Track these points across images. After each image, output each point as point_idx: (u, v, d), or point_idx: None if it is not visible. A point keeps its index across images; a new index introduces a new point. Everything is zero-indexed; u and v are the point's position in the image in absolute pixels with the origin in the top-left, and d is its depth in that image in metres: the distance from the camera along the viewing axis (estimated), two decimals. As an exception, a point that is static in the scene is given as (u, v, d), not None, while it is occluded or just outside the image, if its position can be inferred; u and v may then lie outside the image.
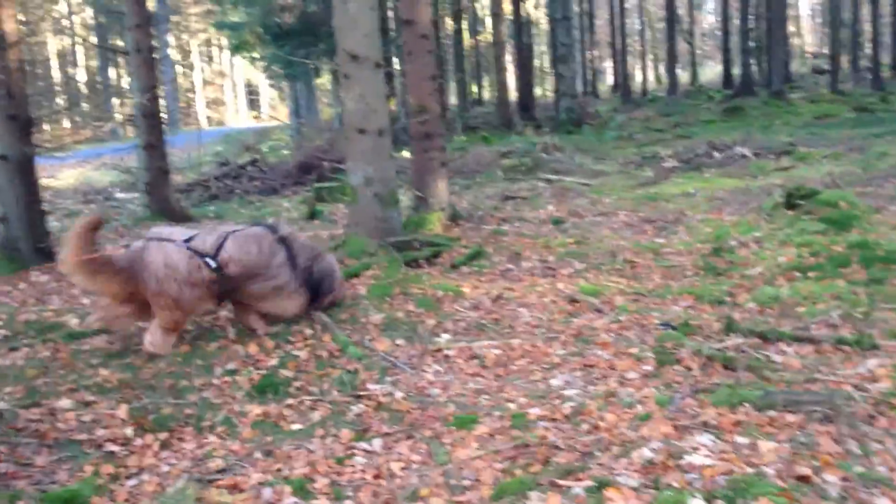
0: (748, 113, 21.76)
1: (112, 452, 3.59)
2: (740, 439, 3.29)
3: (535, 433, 3.59)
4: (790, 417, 3.45)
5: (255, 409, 4.07)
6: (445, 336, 5.24)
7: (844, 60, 33.83)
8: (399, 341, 5.11)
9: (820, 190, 7.87)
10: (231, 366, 4.68)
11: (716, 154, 12.84)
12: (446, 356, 4.87)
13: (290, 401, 4.21)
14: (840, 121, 18.43)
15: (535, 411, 3.87)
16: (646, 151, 15.05)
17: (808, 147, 12.66)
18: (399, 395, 4.24)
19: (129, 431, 3.75)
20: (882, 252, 6.02)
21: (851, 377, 3.85)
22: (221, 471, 3.49)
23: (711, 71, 50.73)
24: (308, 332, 5.21)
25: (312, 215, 10.36)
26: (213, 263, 4.78)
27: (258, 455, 3.61)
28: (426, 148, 8.32)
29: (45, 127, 34.02)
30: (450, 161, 14.29)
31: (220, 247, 4.84)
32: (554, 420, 3.75)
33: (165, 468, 3.53)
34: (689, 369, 4.20)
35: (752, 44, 28.15)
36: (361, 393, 4.27)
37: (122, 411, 3.93)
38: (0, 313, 5.78)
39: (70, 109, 35.29)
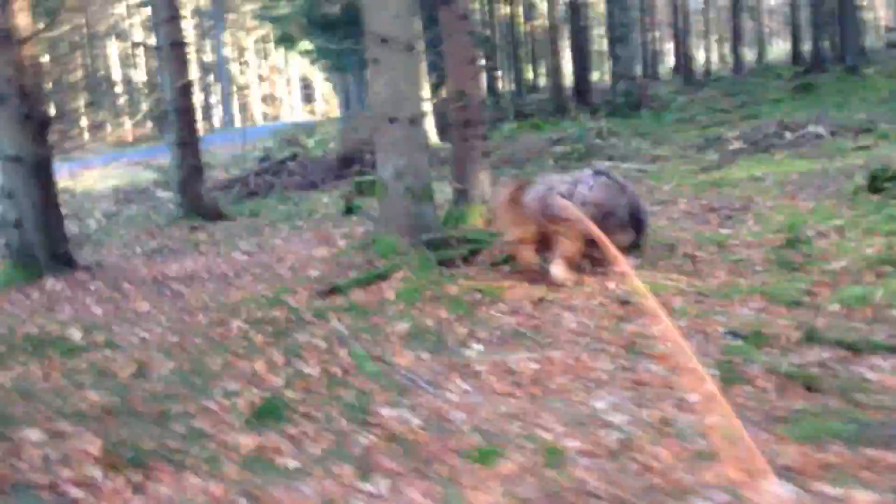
0: (820, 90, 20.45)
1: (74, 501, 3.08)
2: (829, 489, 2.59)
3: (573, 474, 2.95)
4: (893, 458, 2.73)
5: (249, 442, 3.52)
6: (477, 347, 4.62)
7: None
8: (423, 355, 4.51)
9: (905, 169, 6.97)
10: (232, 386, 4.16)
11: (787, 134, 11.86)
12: (476, 372, 4.24)
13: (290, 429, 3.65)
14: (924, 95, 17.08)
15: (573, 444, 3.22)
16: (709, 134, 14.07)
17: (889, 124, 11.57)
18: (416, 421, 3.63)
19: (97, 472, 3.23)
20: None
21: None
22: (195, 521, 2.95)
23: (778, 49, 48.71)
24: (323, 345, 4.66)
25: (349, 210, 9.84)
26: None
27: (242, 501, 3.06)
28: (466, 136, 7.70)
29: (107, 128, 34.50)
30: (497, 149, 13.65)
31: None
32: (595, 456, 3.10)
33: (133, 518, 3.01)
34: (763, 391, 3.49)
35: (822, 18, 26.61)
36: (372, 420, 3.68)
37: (96, 447, 3.41)
38: (2, 326, 5.39)
39: (129, 109, 35.69)
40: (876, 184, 6.98)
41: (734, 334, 4.16)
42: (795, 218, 6.77)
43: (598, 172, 6.25)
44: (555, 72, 23.75)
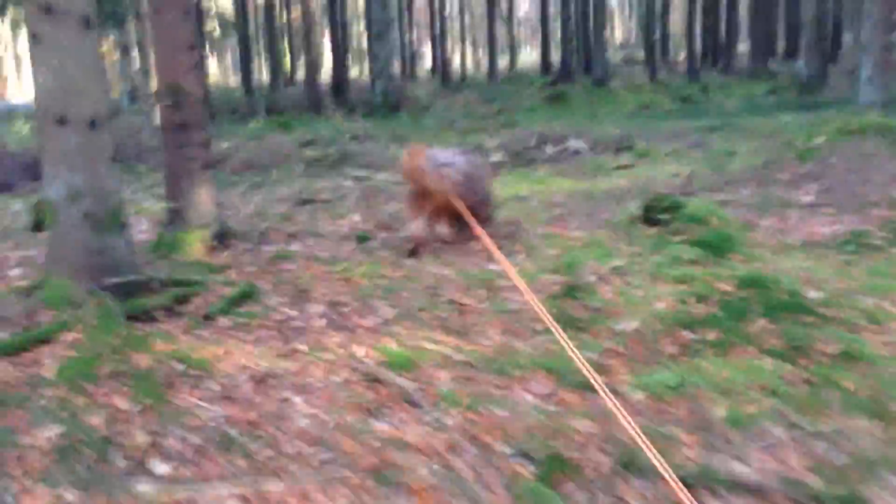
0: (571, 101, 20.84)
1: None
2: None
3: None
4: None
5: None
6: (158, 472, 3.11)
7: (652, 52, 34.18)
8: (69, 495, 2.92)
9: (682, 201, 6.37)
10: None
11: (547, 148, 11.35)
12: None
13: None
14: (665, 112, 17.74)
15: None
16: (469, 141, 13.34)
17: (645, 142, 11.44)
18: None
19: None
20: (783, 294, 4.52)
21: None
22: None
23: (527, 57, 50.76)
24: None
25: (38, 225, 7.73)
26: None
27: None
28: (181, 143, 6.07)
29: None
30: (239, 151, 11.97)
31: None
32: None
33: None
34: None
35: (570, 32, 27.49)
36: None
37: None
38: None
39: None
40: (651, 214, 6.33)
41: (525, 455, 3.00)
42: (570, 254, 5.91)
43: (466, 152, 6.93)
44: (311, 66, 22.23)
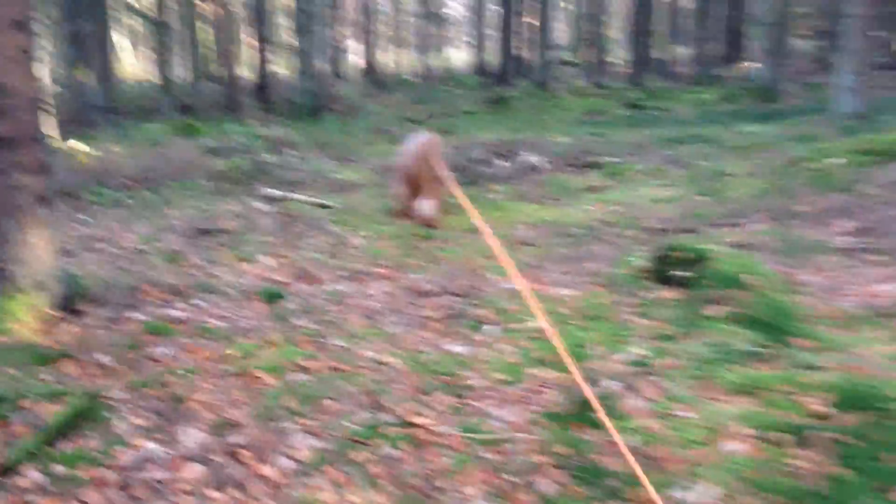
0: (513, 105, 19.28)
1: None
2: None
3: None
4: None
5: None
6: None
7: (590, 55, 33.07)
8: None
9: (704, 250, 4.76)
10: None
11: (498, 162, 9.69)
12: None
13: None
14: (615, 118, 16.33)
15: None
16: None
17: (610, 156, 9.87)
18: None
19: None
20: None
21: None
22: None
23: (460, 56, 49.24)
24: None
25: None
26: None
27: None
28: (6, 167, 4.15)
29: None
30: (130, 158, 9.94)
31: None
32: None
33: None
34: None
35: (510, 31, 26.00)
36: None
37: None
38: None
39: None
40: (664, 269, 4.72)
41: None
42: (564, 331, 4.24)
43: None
44: (227, 60, 20.11)
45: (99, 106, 17.10)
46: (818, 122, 11.56)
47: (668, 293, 4.52)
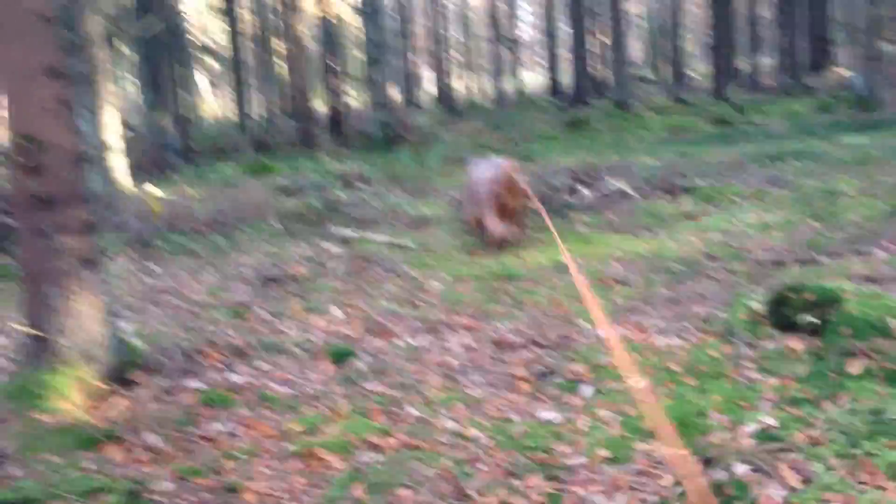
0: (591, 126, 18.61)
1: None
2: None
3: None
4: None
5: None
6: None
7: (667, 70, 32.17)
8: None
9: (832, 290, 4.08)
10: None
11: (582, 189, 9.10)
12: None
13: None
14: (701, 135, 15.49)
15: None
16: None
17: (701, 178, 9.16)
18: None
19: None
20: None
21: None
22: None
23: (533, 80, 48.82)
24: None
25: None
26: None
27: None
28: (47, 228, 3.83)
29: None
30: (202, 201, 9.74)
31: None
32: None
33: None
34: None
35: (585, 48, 25.40)
36: None
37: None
38: None
39: None
40: (786, 313, 4.05)
41: None
42: (671, 392, 3.64)
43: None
44: (301, 95, 20.13)
45: (176, 148, 17.26)
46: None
47: (795, 343, 3.85)
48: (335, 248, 7.56)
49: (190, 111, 24.23)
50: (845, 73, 26.53)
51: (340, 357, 4.50)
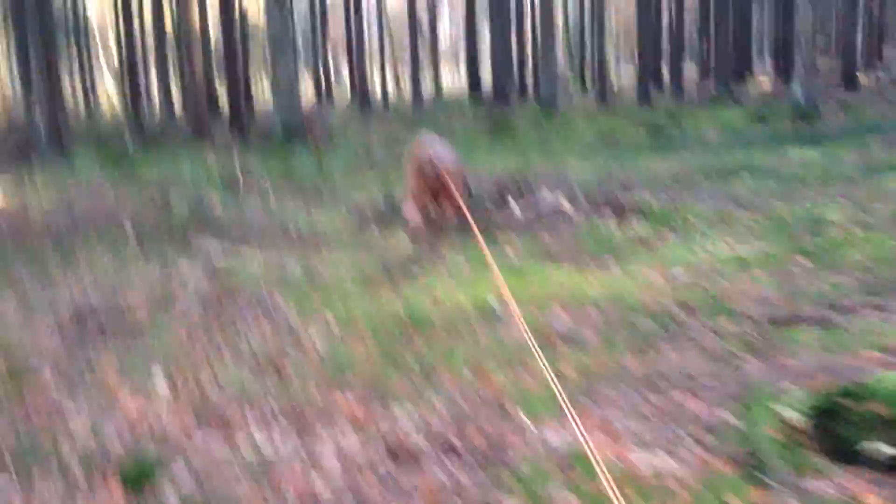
0: (517, 128, 17.19)
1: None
2: None
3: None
4: None
5: None
6: None
7: (592, 73, 31.24)
8: None
9: (881, 389, 2.63)
10: None
11: (514, 204, 7.56)
12: None
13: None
14: (634, 142, 14.24)
15: None
16: (395, 188, 9.26)
17: (650, 194, 7.75)
18: None
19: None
20: None
21: None
22: None
23: (451, 77, 47.44)
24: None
25: None
26: None
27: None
28: None
29: None
30: (33, 218, 7.76)
31: None
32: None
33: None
34: None
35: (509, 46, 24.06)
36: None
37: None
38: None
39: None
40: (842, 434, 2.57)
41: None
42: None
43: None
44: (189, 79, 18.05)
45: (40, 139, 14.93)
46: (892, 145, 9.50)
47: (862, 488, 2.37)
48: (195, 273, 5.79)
49: (69, 100, 21.76)
50: (767, 83, 26.10)
51: (138, 479, 2.79)
